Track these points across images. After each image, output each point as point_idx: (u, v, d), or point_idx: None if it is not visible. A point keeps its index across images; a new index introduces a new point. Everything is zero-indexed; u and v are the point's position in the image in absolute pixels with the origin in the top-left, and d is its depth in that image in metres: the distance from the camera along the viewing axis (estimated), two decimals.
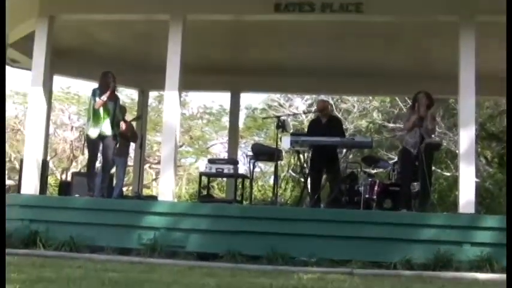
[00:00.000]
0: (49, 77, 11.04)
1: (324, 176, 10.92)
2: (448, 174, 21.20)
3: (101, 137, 9.76)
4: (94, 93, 9.80)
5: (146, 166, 26.27)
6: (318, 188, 10.67)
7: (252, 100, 40.19)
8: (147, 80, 13.44)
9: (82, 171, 14.70)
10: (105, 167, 10.11)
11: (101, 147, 9.89)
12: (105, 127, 9.74)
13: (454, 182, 18.79)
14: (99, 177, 10.09)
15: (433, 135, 9.84)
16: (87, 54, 12.34)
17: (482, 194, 19.89)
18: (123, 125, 10.28)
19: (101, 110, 9.70)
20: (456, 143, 14.83)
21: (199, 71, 12.06)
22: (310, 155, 10.63)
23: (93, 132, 9.72)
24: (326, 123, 10.76)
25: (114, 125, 9.90)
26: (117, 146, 10.49)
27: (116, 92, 10.16)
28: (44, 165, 10.77)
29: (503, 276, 7.35)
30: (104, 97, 9.68)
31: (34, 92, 9.91)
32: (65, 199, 10.28)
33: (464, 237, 8.26)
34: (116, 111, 9.93)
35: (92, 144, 9.89)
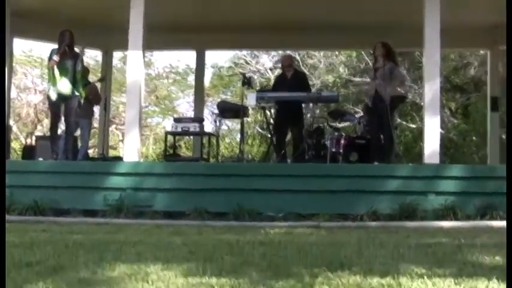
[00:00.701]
0: (9, 39, 10.76)
1: (290, 131, 10.90)
2: (414, 126, 21.36)
3: (62, 98, 9.56)
4: (50, 54, 9.59)
5: (112, 127, 26.03)
6: (284, 144, 10.68)
7: (218, 58, 39.92)
8: (111, 41, 13.17)
9: (46, 134, 14.52)
10: (68, 129, 9.89)
11: (63, 109, 9.71)
12: (64, 87, 9.52)
13: (419, 134, 18.96)
14: (63, 139, 9.93)
15: (401, 86, 9.89)
16: (48, 15, 12.02)
17: (446, 144, 20.09)
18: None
19: (56, 69, 9.48)
20: (421, 95, 14.90)
21: (163, 30, 11.82)
22: (276, 110, 10.59)
23: (52, 93, 9.54)
24: (291, 78, 10.71)
25: (77, 84, 9.67)
26: (81, 107, 10.28)
27: (76, 51, 9.89)
28: (6, 129, 10.58)
29: (467, 223, 7.50)
30: (56, 57, 9.45)
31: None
32: (28, 163, 10.13)
33: (429, 187, 8.35)
34: (77, 70, 9.69)
35: (53, 106, 9.72)
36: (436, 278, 3.78)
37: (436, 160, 8.74)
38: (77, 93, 9.68)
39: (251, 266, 4.16)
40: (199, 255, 4.68)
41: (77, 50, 10.19)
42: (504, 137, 17.54)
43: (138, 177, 8.78)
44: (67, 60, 9.56)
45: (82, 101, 10.06)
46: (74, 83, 9.60)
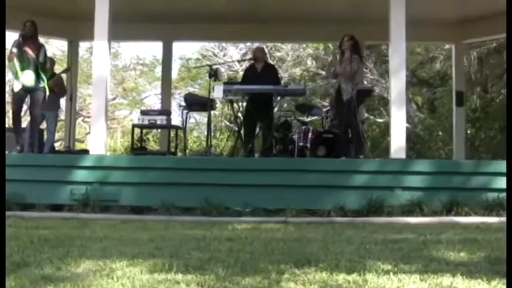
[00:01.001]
0: None
1: (258, 125, 10.89)
2: (381, 120, 21.51)
3: (26, 90, 9.42)
4: (12, 46, 9.47)
5: (79, 120, 25.81)
6: (252, 137, 10.66)
7: (185, 50, 39.77)
8: (76, 30, 13.01)
9: (11, 126, 14.32)
10: (33, 121, 9.69)
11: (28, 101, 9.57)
12: (27, 79, 9.38)
13: (386, 129, 19.10)
14: (28, 132, 9.78)
15: (362, 79, 9.97)
16: (12, 3, 11.79)
17: (413, 139, 20.29)
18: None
19: (17, 61, 9.34)
20: (388, 89, 15.01)
21: (130, 20, 11.74)
22: (244, 103, 10.57)
23: (16, 85, 9.40)
24: (261, 70, 10.68)
25: (41, 76, 9.52)
26: (46, 99, 10.11)
27: (39, 42, 9.73)
28: None
29: (433, 219, 7.57)
30: (14, 49, 9.33)
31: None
32: None
33: (395, 182, 8.40)
34: (40, 61, 9.53)
35: (15, 98, 9.57)
36: (402, 274, 3.81)
37: (402, 155, 8.80)
38: (41, 85, 9.51)
39: (218, 262, 4.16)
40: (166, 251, 4.66)
41: (41, 40, 10.01)
42: (469, 132, 17.81)
43: (104, 170, 8.68)
44: (29, 51, 9.41)
45: (47, 93, 9.86)
46: (37, 75, 9.44)
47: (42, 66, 9.55)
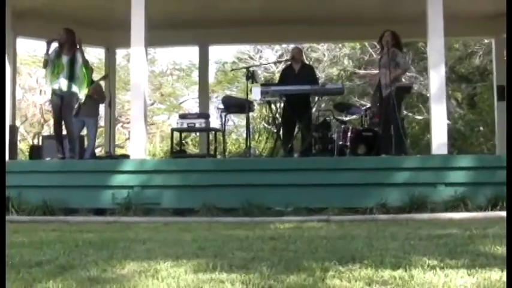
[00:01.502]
0: (12, 38, 10.74)
1: (297, 125, 10.85)
2: (420, 117, 21.28)
3: (58, 96, 9.53)
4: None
5: (119, 126, 26.04)
6: (291, 138, 10.63)
7: (222, 54, 39.86)
8: (113, 38, 13.17)
9: (52, 134, 14.51)
10: (66, 127, 9.72)
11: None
12: (61, 84, 9.50)
13: (426, 126, 18.89)
14: (67, 138, 9.89)
15: (403, 74, 9.85)
16: (50, 13, 12.00)
17: (454, 135, 20.02)
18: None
19: (51, 66, 9.48)
20: (427, 86, 14.82)
21: (165, 26, 11.82)
22: (282, 104, 10.54)
23: (49, 91, 9.55)
24: (299, 70, 10.65)
25: (75, 82, 9.61)
26: (85, 105, 10.20)
27: (75, 48, 9.83)
28: (13, 130, 10.57)
29: (478, 214, 7.45)
30: (45, 55, 9.48)
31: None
32: (35, 163, 10.13)
33: (438, 178, 8.31)
34: (75, 67, 9.62)
35: (52, 105, 9.71)
36: (448, 269, 3.76)
37: (444, 151, 8.69)
38: (73, 91, 9.60)
39: (261, 261, 4.15)
40: (209, 251, 4.67)
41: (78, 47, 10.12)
42: None
43: (145, 174, 8.75)
44: (64, 56, 9.53)
45: (82, 98, 9.92)
46: (71, 80, 9.53)
47: (76, 72, 9.61)
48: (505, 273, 3.61)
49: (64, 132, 9.86)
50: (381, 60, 9.66)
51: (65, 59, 9.54)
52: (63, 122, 9.69)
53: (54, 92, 9.53)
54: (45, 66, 9.63)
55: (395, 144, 9.18)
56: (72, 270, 4.00)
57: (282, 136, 10.78)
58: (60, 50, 9.58)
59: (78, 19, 11.73)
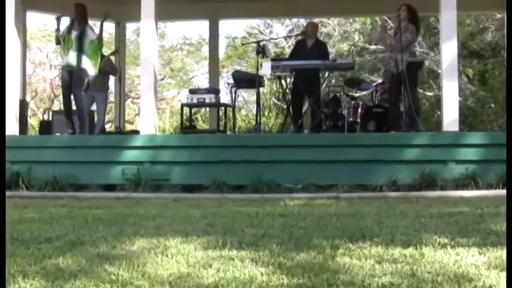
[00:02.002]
0: (21, 12, 10.70)
1: (307, 101, 10.80)
2: (431, 94, 21.16)
3: (68, 71, 9.53)
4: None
5: (129, 101, 26.05)
6: (301, 113, 10.58)
7: (231, 29, 39.67)
8: (123, 12, 13.06)
9: (62, 109, 14.51)
10: (76, 102, 9.76)
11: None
12: (70, 59, 9.51)
13: (437, 102, 18.79)
14: (77, 114, 9.89)
15: (413, 48, 9.73)
16: None
17: (464, 112, 19.90)
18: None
19: (62, 41, 9.49)
20: (438, 62, 14.72)
21: (175, 0, 11.77)
22: (292, 80, 10.48)
23: (61, 65, 9.59)
24: (312, 46, 10.57)
25: (85, 57, 9.59)
26: (92, 80, 10.14)
27: (86, 24, 9.79)
28: (23, 105, 10.56)
29: (489, 192, 7.42)
30: (62, 31, 9.52)
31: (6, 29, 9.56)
32: (45, 138, 10.15)
33: (448, 155, 8.26)
34: (84, 42, 9.61)
35: (62, 80, 9.72)
36: (459, 248, 3.73)
37: (455, 128, 8.62)
38: (82, 66, 9.59)
39: (271, 238, 4.13)
40: (219, 228, 4.66)
41: (91, 23, 10.09)
42: None
43: (155, 150, 8.75)
44: (72, 32, 9.52)
45: (93, 73, 9.90)
46: (79, 56, 9.52)
47: (85, 47, 9.60)
48: None
49: (74, 107, 9.85)
50: (395, 36, 9.53)
51: (73, 34, 9.52)
52: (72, 97, 9.69)
53: (63, 67, 9.56)
54: (58, 42, 9.69)
55: (408, 121, 9.10)
56: (81, 246, 4.00)
57: (292, 112, 10.73)
58: (71, 25, 9.58)
59: None
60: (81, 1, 9.79)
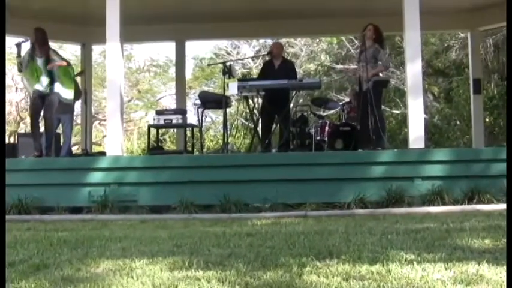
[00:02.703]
0: None
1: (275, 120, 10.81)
2: (398, 112, 21.38)
3: (40, 95, 9.45)
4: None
5: (96, 123, 25.90)
6: (269, 133, 10.60)
7: (199, 50, 39.76)
8: (88, 33, 13.03)
9: (28, 132, 14.34)
10: (46, 125, 9.67)
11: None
12: (42, 86, 9.44)
13: (403, 120, 18.97)
14: (44, 136, 9.79)
15: (385, 70, 9.88)
16: (24, 9, 11.84)
17: (431, 129, 20.13)
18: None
19: (29, 70, 9.44)
20: (404, 80, 14.86)
21: (141, 21, 11.75)
22: (260, 99, 10.50)
23: (31, 91, 9.50)
24: (279, 66, 10.63)
25: (56, 82, 9.53)
26: (61, 103, 10.06)
27: (49, 48, 9.72)
28: None
29: (455, 207, 7.48)
30: (25, 57, 9.44)
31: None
32: (10, 161, 9.97)
33: (415, 172, 8.31)
34: (54, 66, 9.53)
35: (33, 103, 9.62)
36: (426, 263, 3.75)
37: (421, 145, 8.69)
38: (55, 91, 9.52)
39: (238, 257, 4.11)
40: (186, 249, 4.63)
41: (53, 46, 10.04)
42: (488, 120, 17.63)
43: (121, 171, 8.66)
44: (36, 58, 9.46)
45: (71, 97, 9.80)
46: (51, 81, 9.46)
47: (62, 67, 9.56)
48: (482, 266, 3.62)
49: (41, 130, 9.76)
50: (361, 54, 9.63)
51: (39, 62, 9.46)
52: (41, 120, 9.62)
53: (35, 91, 9.46)
54: (19, 69, 9.55)
55: (374, 139, 9.18)
56: (45, 269, 3.94)
57: (260, 131, 10.74)
58: (32, 51, 9.51)
59: (53, 14, 11.63)
60: (41, 25, 9.72)
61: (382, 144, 9.21)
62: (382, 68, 9.61)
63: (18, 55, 9.54)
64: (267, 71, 10.81)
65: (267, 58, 11.33)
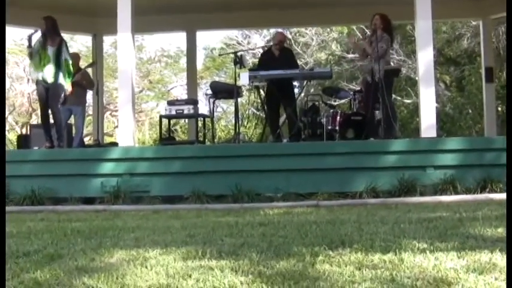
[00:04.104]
0: None
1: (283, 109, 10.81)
2: (409, 101, 21.29)
3: (44, 86, 9.46)
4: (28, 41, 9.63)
5: (107, 114, 25.96)
6: (278, 122, 10.59)
7: (209, 40, 39.74)
8: (100, 24, 13.04)
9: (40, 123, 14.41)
10: (54, 116, 9.63)
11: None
12: (47, 74, 9.42)
13: (415, 110, 18.89)
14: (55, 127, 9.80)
15: (388, 57, 9.82)
16: (35, 0, 11.86)
17: (442, 118, 20.05)
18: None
19: (37, 57, 9.43)
20: (415, 70, 14.80)
21: (152, 12, 11.75)
22: (265, 89, 10.50)
23: (35, 79, 9.51)
24: (279, 55, 10.60)
25: (62, 73, 9.53)
26: (65, 95, 10.03)
27: (59, 37, 9.72)
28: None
29: (467, 197, 7.47)
30: (35, 45, 9.44)
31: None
32: (23, 152, 10.06)
33: (427, 161, 8.30)
34: (61, 58, 9.53)
35: (38, 94, 9.64)
36: (438, 252, 3.74)
37: (433, 134, 8.68)
38: (60, 81, 9.52)
39: (251, 247, 4.12)
40: (199, 238, 4.64)
41: (64, 37, 10.04)
42: (500, 109, 17.54)
43: (133, 162, 8.71)
44: (50, 46, 9.46)
45: (68, 89, 9.78)
46: (57, 71, 9.46)
47: (66, 62, 9.57)
48: (495, 255, 3.61)
49: (51, 121, 9.78)
50: (371, 44, 9.61)
51: (50, 50, 9.45)
52: (49, 111, 9.62)
53: (39, 82, 9.47)
54: (31, 58, 9.58)
55: (385, 128, 9.17)
56: (60, 259, 3.96)
57: (269, 121, 10.74)
58: (44, 40, 9.49)
59: (64, 5, 11.63)
60: (52, 15, 9.72)
61: (393, 133, 9.19)
62: (384, 49, 9.45)
63: (29, 46, 9.56)
64: (267, 60, 10.77)
65: (266, 47, 11.25)
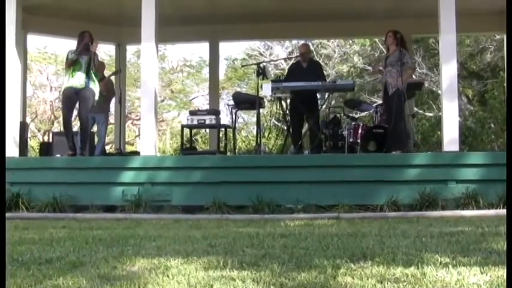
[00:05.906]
0: (22, 35, 10.74)
1: (305, 121, 10.81)
2: (431, 114, 21.20)
3: (75, 91, 9.54)
4: (67, 55, 9.67)
5: (129, 123, 26.10)
6: (300, 134, 10.59)
7: (232, 51, 39.89)
8: (123, 34, 13.16)
9: (63, 131, 14.54)
10: (81, 123, 9.72)
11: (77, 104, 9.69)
12: (77, 80, 9.51)
13: (437, 123, 18.81)
14: (78, 135, 9.88)
15: (413, 73, 9.81)
16: (59, 9, 12.01)
17: (464, 132, 19.93)
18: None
19: (72, 66, 9.54)
20: (438, 83, 14.75)
21: (176, 22, 11.84)
22: (289, 100, 10.50)
23: (65, 86, 9.60)
24: (307, 67, 10.62)
25: (91, 77, 9.64)
26: (95, 101, 10.14)
27: (92, 49, 9.85)
28: (23, 126, 10.57)
29: (489, 212, 7.40)
30: (74, 56, 9.51)
31: (6, 51, 9.59)
32: (45, 159, 10.14)
33: (449, 175, 8.25)
34: (90, 68, 9.63)
35: (66, 99, 9.70)
36: (461, 267, 3.72)
37: (455, 147, 8.63)
38: (90, 86, 9.62)
39: (272, 258, 4.12)
40: (220, 249, 4.65)
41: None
42: None
43: (155, 171, 8.75)
44: (82, 56, 9.57)
45: (97, 94, 9.89)
46: (87, 78, 9.56)
47: (93, 69, 9.68)
48: None
49: (74, 128, 9.85)
50: (387, 60, 9.62)
51: (83, 59, 9.56)
52: (75, 119, 9.71)
53: (69, 88, 9.54)
54: (68, 65, 9.65)
55: (393, 141, 9.14)
56: (82, 267, 3.99)
57: (291, 132, 10.74)
58: (81, 51, 9.61)
59: (89, 15, 11.76)
60: (77, 25, 9.84)
61: (403, 147, 9.14)
62: (410, 71, 9.55)
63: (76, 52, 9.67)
64: (295, 71, 10.81)
65: (294, 60, 11.29)
